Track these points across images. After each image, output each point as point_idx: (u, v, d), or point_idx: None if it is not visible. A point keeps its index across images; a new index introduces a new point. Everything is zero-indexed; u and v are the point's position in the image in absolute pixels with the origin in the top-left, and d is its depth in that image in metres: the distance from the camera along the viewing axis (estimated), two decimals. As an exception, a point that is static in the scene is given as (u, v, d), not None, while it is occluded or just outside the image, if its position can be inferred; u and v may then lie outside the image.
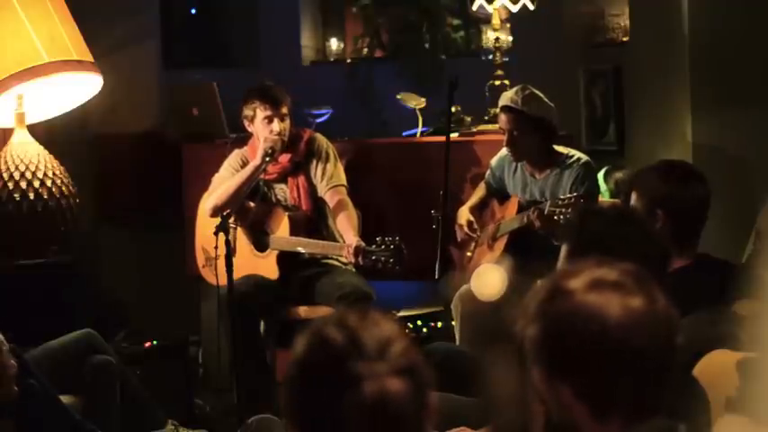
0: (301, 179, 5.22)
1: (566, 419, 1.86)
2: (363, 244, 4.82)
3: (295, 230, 5.14)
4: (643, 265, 1.92)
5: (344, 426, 1.64)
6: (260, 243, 5.22)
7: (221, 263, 4.61)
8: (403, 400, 1.65)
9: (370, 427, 1.64)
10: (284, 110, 5.14)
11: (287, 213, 5.17)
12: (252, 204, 5.23)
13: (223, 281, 4.61)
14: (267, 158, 5.05)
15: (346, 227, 5.01)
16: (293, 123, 5.25)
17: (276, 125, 5.10)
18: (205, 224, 5.17)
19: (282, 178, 5.25)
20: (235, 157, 5.29)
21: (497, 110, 5.15)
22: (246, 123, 5.19)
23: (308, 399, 1.68)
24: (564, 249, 2.62)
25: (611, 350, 1.81)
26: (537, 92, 4.99)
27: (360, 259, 4.81)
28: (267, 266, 5.15)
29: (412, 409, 1.66)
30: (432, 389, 1.72)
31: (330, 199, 5.13)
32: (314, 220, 5.21)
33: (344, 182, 5.20)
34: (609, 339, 1.81)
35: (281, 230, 5.16)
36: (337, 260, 5.20)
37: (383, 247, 4.76)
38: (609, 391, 1.83)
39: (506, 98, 5.02)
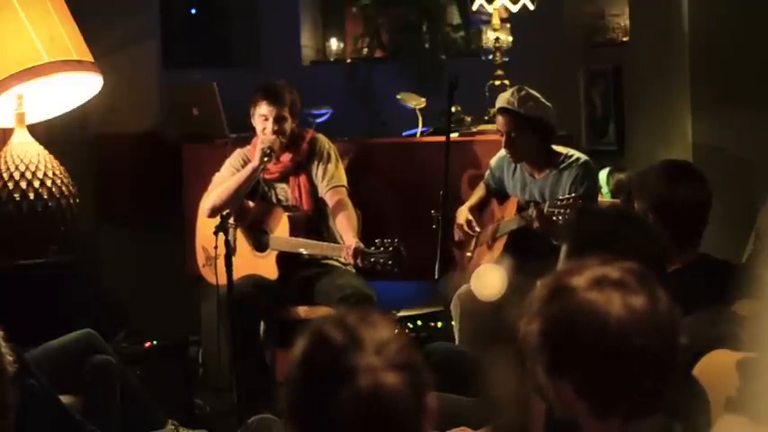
0: (303, 179, 5.21)
1: (567, 417, 1.86)
2: (362, 246, 4.82)
3: (294, 230, 5.14)
4: (641, 264, 1.92)
5: (341, 421, 1.64)
6: (259, 243, 5.21)
7: (221, 262, 4.61)
8: (398, 394, 1.64)
9: (365, 420, 1.64)
10: (283, 111, 5.13)
11: (286, 213, 5.17)
12: (251, 204, 5.23)
13: (223, 281, 4.61)
14: (265, 159, 5.05)
15: (345, 228, 5.01)
16: (297, 123, 5.26)
17: (270, 125, 5.10)
18: (206, 223, 5.16)
19: (284, 178, 5.24)
20: (236, 156, 5.29)
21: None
22: (251, 119, 5.20)
23: (306, 396, 1.68)
24: (563, 249, 2.62)
25: (611, 348, 1.81)
26: (533, 92, 4.98)
27: (358, 261, 4.81)
28: (267, 266, 5.15)
29: (408, 405, 1.66)
30: (431, 390, 1.72)
31: (330, 199, 5.13)
32: (314, 221, 5.21)
33: (345, 183, 5.19)
34: (609, 337, 1.81)
35: (281, 230, 5.16)
36: (337, 261, 5.20)
37: (382, 249, 4.76)
38: (609, 390, 1.83)
39: (503, 100, 5.02)
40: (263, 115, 5.12)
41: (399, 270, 4.75)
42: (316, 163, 5.21)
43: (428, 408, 1.70)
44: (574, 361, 1.84)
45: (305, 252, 5.10)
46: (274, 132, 5.10)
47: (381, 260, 4.75)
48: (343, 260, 5.07)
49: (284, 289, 5.14)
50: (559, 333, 1.85)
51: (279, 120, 5.12)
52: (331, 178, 5.17)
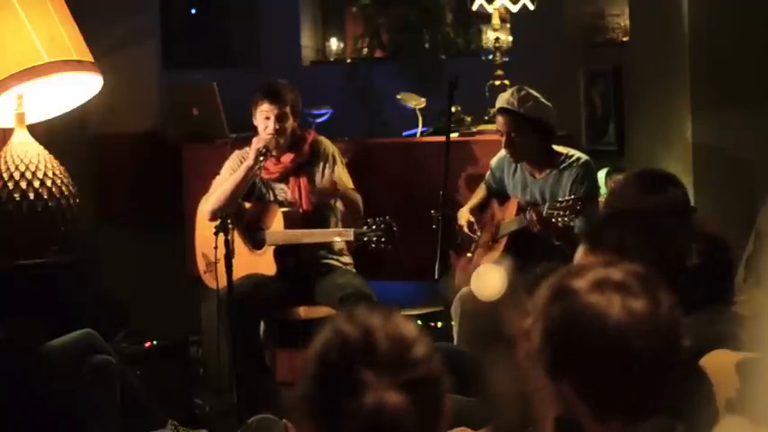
0: (303, 180, 5.22)
1: (571, 417, 1.86)
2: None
3: (289, 225, 5.14)
4: (659, 263, 1.92)
5: (344, 430, 1.64)
6: (256, 241, 5.21)
7: (221, 264, 4.61)
8: (401, 414, 1.64)
9: None
10: (285, 109, 5.14)
11: (281, 209, 5.17)
12: (247, 205, 5.23)
13: (223, 282, 4.61)
14: (261, 158, 5.06)
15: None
16: (299, 124, 5.26)
17: (272, 123, 5.11)
18: (205, 229, 5.16)
19: (283, 178, 5.25)
20: (234, 158, 5.29)
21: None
22: (253, 119, 5.21)
23: (317, 395, 1.68)
24: (581, 248, 2.59)
25: (610, 351, 1.81)
26: (533, 92, 4.98)
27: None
28: (265, 263, 5.15)
29: (412, 424, 1.65)
30: (447, 395, 1.71)
31: (341, 203, 5.17)
32: (311, 220, 5.19)
33: (351, 185, 5.21)
34: (608, 340, 1.81)
35: (276, 225, 5.16)
36: (337, 260, 5.21)
37: (374, 227, 4.79)
38: (608, 391, 1.83)
39: (503, 100, 5.02)
40: (264, 113, 5.13)
41: (392, 246, 4.77)
42: (321, 166, 5.21)
43: (444, 413, 1.69)
44: (573, 362, 1.84)
45: (300, 241, 5.11)
46: (276, 131, 5.10)
47: (375, 238, 4.78)
48: (344, 259, 5.09)
49: (284, 288, 5.14)
50: (559, 334, 1.85)
51: (280, 119, 5.13)
52: (340, 181, 5.18)
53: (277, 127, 5.11)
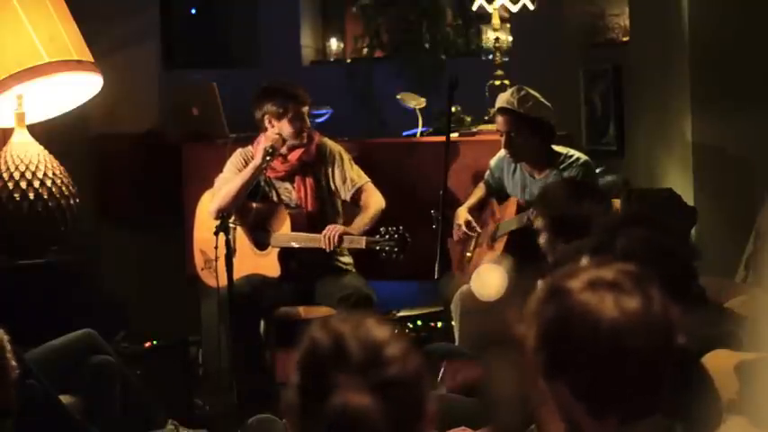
0: (309, 180, 5.22)
1: (568, 419, 1.86)
2: (353, 233, 4.92)
3: (296, 228, 5.15)
4: (667, 275, 1.92)
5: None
6: (260, 242, 5.22)
7: (221, 264, 4.61)
8: (367, 414, 1.64)
9: None
10: (289, 113, 5.13)
11: (288, 211, 5.17)
12: (253, 204, 5.23)
13: (223, 282, 4.61)
14: (267, 158, 5.06)
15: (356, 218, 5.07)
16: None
17: (276, 125, 5.11)
18: (203, 226, 5.16)
19: (289, 177, 5.25)
20: (237, 156, 5.29)
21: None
22: (262, 120, 5.21)
23: (296, 400, 1.69)
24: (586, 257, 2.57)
25: (605, 350, 1.82)
26: (533, 92, 4.99)
27: (329, 243, 4.90)
28: (268, 264, 5.15)
29: (382, 423, 1.65)
30: (430, 395, 1.71)
31: (359, 199, 5.17)
32: (317, 220, 5.19)
33: (365, 179, 5.21)
34: (602, 339, 1.81)
35: (284, 229, 5.16)
36: (338, 260, 5.21)
37: (387, 237, 4.80)
38: (604, 390, 1.84)
39: (502, 100, 5.03)
40: (267, 114, 5.13)
41: (404, 257, 4.78)
42: (330, 168, 5.22)
43: (425, 413, 1.69)
44: (568, 362, 1.84)
45: (301, 245, 5.10)
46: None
47: (387, 247, 4.80)
48: (345, 259, 5.09)
49: (284, 288, 5.14)
50: (554, 335, 1.85)
51: (281, 117, 5.14)
52: (353, 180, 5.18)
53: (278, 129, 5.13)
